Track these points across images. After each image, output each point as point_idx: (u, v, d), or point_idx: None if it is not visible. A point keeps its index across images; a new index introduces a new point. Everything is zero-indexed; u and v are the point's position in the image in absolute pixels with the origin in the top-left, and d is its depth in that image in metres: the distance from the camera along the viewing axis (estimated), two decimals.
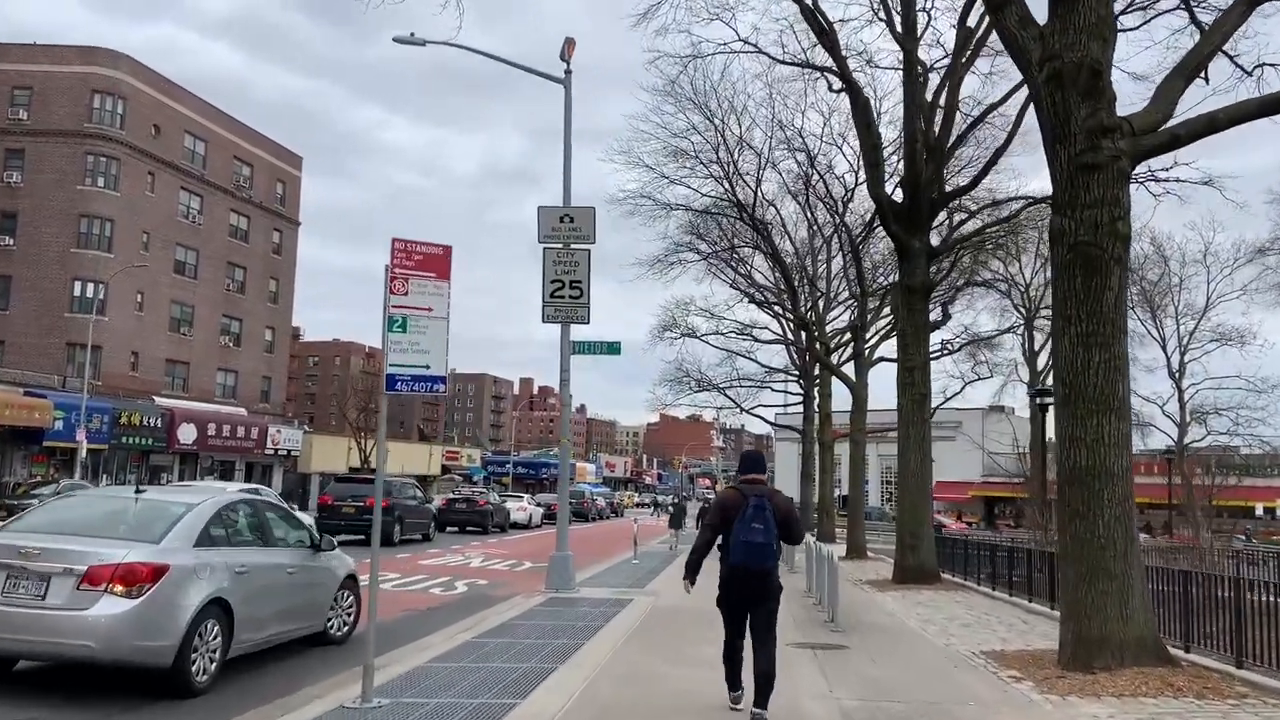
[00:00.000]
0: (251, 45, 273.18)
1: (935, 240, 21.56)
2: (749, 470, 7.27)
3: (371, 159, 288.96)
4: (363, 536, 26.41)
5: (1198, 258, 51.82)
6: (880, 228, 29.77)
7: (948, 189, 20.09)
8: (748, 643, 7.17)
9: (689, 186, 29.46)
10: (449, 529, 35.47)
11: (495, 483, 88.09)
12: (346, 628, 10.66)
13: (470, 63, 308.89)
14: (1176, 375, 52.73)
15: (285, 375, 62.60)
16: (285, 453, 58.27)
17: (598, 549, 28.81)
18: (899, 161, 22.32)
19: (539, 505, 46.77)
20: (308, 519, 20.92)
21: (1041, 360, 54.72)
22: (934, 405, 37.07)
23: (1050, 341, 9.94)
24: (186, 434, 49.52)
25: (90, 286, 45.86)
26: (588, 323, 16.28)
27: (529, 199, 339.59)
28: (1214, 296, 51.73)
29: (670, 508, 29.88)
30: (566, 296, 16.21)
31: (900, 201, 19.60)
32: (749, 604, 7.10)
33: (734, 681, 7.38)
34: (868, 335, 31.45)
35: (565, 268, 16.25)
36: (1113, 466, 9.26)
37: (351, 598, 10.71)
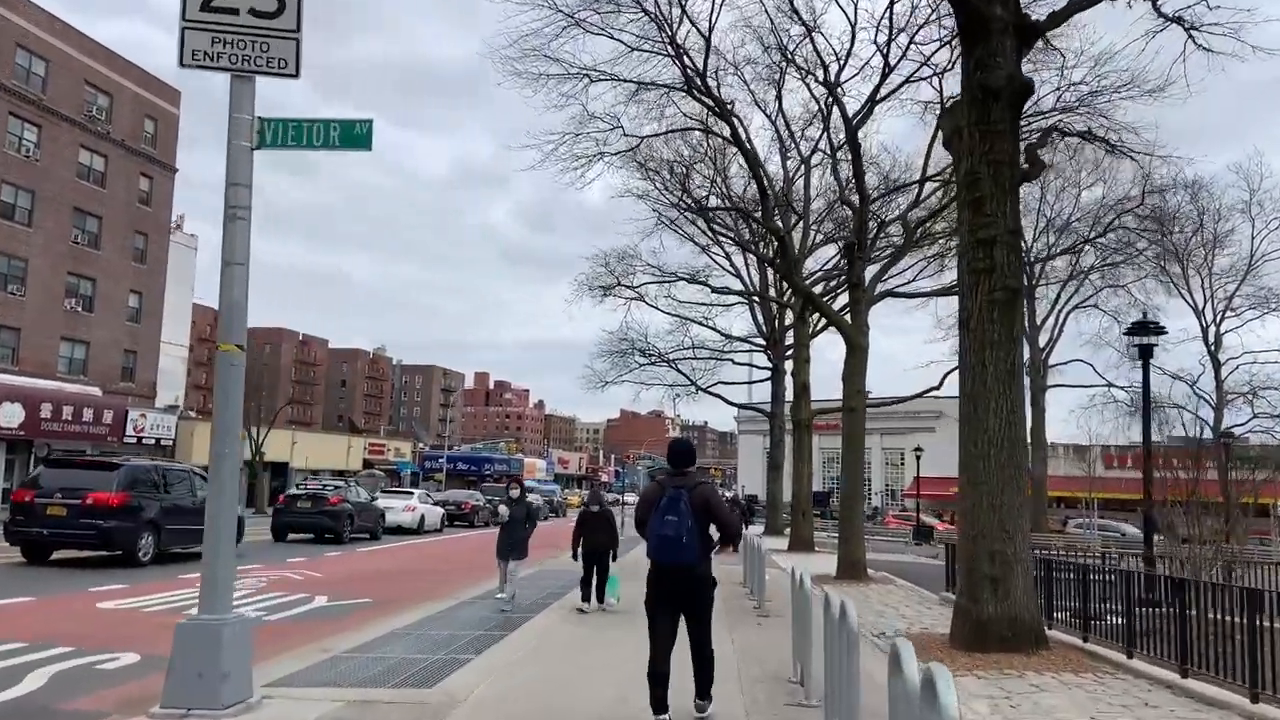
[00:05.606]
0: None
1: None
2: (673, 462, 6.86)
3: (339, 158, 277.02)
4: (90, 554, 16.98)
5: (1240, 206, 43.54)
6: (894, 101, 20.76)
7: None
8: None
9: (613, 37, 19.93)
10: (291, 536, 25.97)
11: (429, 479, 79.25)
12: None
13: (444, 66, 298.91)
14: (1213, 348, 44.33)
15: (157, 350, 52.32)
16: (154, 441, 48.33)
17: (478, 569, 19.58)
18: None
19: (438, 505, 36.90)
20: None
21: (1044, 337, 46.44)
22: (922, 390, 27.28)
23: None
24: (9, 415, 39.59)
25: None
26: (296, 74, 7.03)
27: (497, 203, 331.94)
28: (1258, 255, 43.46)
29: (496, 507, 14.65)
30: (242, 11, 6.97)
31: None
32: (673, 601, 6.53)
33: (659, 704, 6.33)
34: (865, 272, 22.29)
35: None
36: None
37: None
